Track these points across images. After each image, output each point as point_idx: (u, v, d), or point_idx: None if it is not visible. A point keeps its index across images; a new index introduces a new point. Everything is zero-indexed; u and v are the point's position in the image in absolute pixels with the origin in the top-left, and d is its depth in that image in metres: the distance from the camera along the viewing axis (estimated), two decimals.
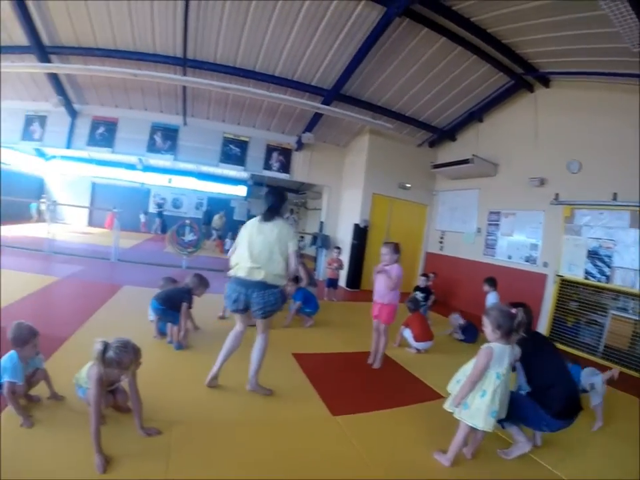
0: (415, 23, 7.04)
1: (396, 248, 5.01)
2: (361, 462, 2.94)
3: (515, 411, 3.08)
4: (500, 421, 3.05)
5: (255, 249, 3.70)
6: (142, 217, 20.67)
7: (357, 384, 4.51)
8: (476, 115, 9.74)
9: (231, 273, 3.82)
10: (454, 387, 3.06)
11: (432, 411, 3.78)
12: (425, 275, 8.88)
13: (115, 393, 3.04)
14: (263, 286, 3.67)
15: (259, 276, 3.65)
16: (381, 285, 4.99)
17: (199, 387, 3.83)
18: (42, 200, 17.32)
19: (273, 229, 3.78)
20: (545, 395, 3.10)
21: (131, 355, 2.80)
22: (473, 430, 2.93)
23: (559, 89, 8.11)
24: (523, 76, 8.14)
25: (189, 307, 5.01)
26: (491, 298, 6.71)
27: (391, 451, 3.14)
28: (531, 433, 3.30)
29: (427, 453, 3.10)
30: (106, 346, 2.71)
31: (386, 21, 6.78)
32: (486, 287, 6.93)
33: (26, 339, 2.93)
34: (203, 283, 5.24)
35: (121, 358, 2.72)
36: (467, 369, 3.00)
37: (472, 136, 10.20)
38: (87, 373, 2.90)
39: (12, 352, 2.92)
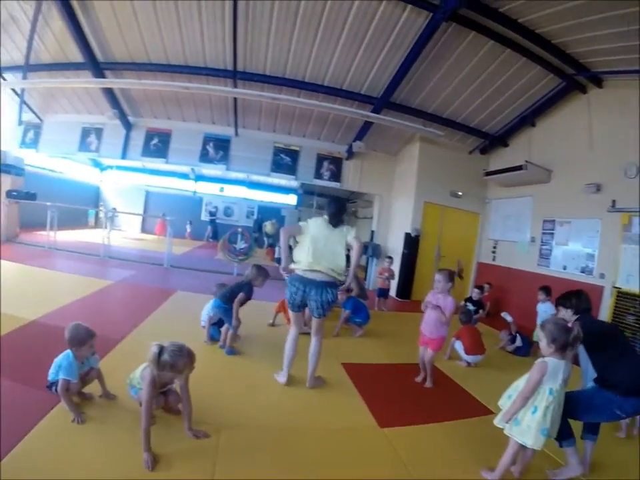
0: (461, 27, 6.99)
1: (450, 276, 4.70)
2: (407, 475, 2.90)
3: (580, 407, 3.00)
4: (558, 439, 2.96)
5: (317, 250, 3.99)
6: (188, 227, 21.06)
7: (405, 396, 4.45)
8: (528, 119, 9.46)
9: (293, 267, 4.11)
10: (505, 402, 2.97)
11: (481, 427, 3.69)
12: (479, 287, 8.69)
13: (167, 394, 3.12)
14: (321, 284, 3.96)
15: (318, 275, 3.96)
16: (432, 320, 4.67)
17: (247, 392, 3.94)
18: (100, 207, 18.01)
19: (334, 231, 4.15)
20: (612, 374, 2.99)
21: (186, 359, 2.87)
22: (522, 447, 2.84)
23: (612, 88, 7.72)
24: (574, 77, 7.83)
25: (247, 298, 5.05)
26: (544, 307, 6.54)
27: (438, 466, 3.08)
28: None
29: (474, 470, 3.02)
30: (161, 349, 2.79)
31: (433, 27, 6.77)
32: (542, 296, 6.73)
33: (83, 339, 3.07)
34: (261, 273, 5.22)
35: (176, 361, 2.80)
36: (520, 384, 2.91)
37: (524, 141, 9.90)
38: (140, 374, 2.99)
39: (68, 351, 3.06)
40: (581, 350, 3.20)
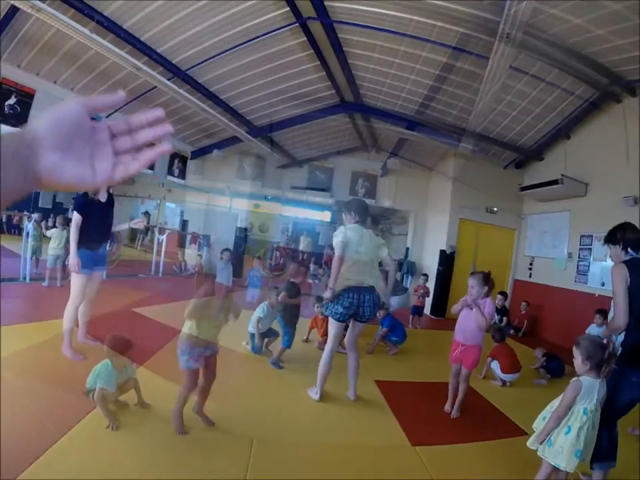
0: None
1: (485, 279, 4.31)
2: None
3: (611, 396, 2.91)
4: (592, 459, 2.89)
5: (364, 259, 4.08)
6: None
7: (438, 415, 4.40)
8: (562, 131, 9.27)
9: (343, 284, 4.04)
10: (539, 423, 2.92)
11: (515, 448, 3.61)
12: (502, 292, 8.62)
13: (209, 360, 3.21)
14: (371, 289, 4.11)
15: (367, 282, 4.08)
16: (470, 323, 4.19)
17: (281, 406, 4.01)
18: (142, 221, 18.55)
19: (371, 238, 4.24)
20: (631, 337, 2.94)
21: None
22: (555, 470, 2.75)
23: None
24: (607, 86, 7.64)
25: (290, 295, 5.17)
26: (599, 332, 6.40)
27: None
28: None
29: None
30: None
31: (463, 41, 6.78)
32: (599, 320, 6.55)
33: (122, 349, 3.18)
34: (299, 270, 5.52)
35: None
36: (555, 405, 2.85)
37: (559, 154, 9.66)
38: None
39: (107, 360, 3.16)
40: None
